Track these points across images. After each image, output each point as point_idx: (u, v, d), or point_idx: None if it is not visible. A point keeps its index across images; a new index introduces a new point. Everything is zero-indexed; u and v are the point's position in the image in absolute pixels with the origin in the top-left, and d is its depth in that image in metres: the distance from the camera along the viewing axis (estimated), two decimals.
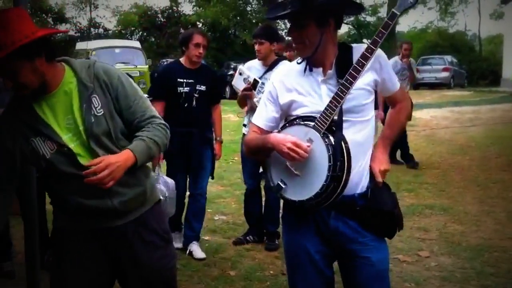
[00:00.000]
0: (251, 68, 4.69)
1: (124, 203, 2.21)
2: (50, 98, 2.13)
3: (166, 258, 2.39)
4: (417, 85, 26.29)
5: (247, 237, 4.94)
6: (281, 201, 2.41)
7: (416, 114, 11.43)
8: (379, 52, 2.25)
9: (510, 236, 5.01)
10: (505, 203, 6.16)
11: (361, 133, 2.26)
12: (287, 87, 2.32)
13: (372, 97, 2.29)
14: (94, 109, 2.13)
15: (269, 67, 4.60)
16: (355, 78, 2.13)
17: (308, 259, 2.33)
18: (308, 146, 2.14)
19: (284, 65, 2.47)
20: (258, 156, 2.45)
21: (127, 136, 2.21)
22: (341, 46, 2.28)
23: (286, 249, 2.47)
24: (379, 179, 2.27)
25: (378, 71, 2.27)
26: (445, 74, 25.57)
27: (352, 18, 32.05)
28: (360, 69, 2.13)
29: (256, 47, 4.64)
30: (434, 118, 13.87)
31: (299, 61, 2.35)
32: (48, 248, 4.25)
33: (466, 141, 10.32)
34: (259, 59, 4.71)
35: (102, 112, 2.14)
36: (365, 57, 2.12)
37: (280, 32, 10.96)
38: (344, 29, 31.06)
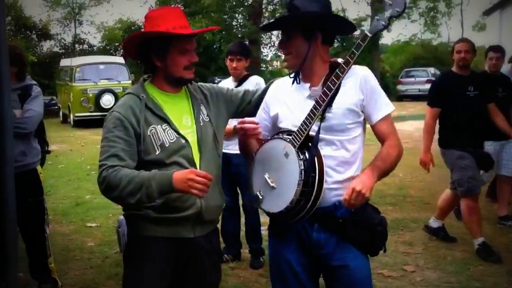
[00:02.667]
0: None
1: (206, 208, 2.37)
2: (175, 97, 2.45)
3: (219, 274, 2.63)
4: (400, 97, 26.52)
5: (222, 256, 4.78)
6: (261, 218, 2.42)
7: (399, 126, 11.40)
8: (368, 72, 2.29)
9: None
10: (490, 215, 6.15)
11: (343, 152, 2.27)
12: (278, 99, 2.40)
13: (359, 119, 2.30)
14: (202, 115, 2.46)
15: (239, 82, 4.59)
16: (327, 96, 2.16)
17: (290, 271, 2.36)
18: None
19: (281, 78, 2.51)
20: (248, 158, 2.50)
21: None
22: (334, 65, 2.27)
23: (270, 260, 2.51)
24: (345, 196, 2.13)
25: (364, 91, 2.27)
26: (428, 86, 25.62)
27: None
28: (332, 87, 2.15)
29: (234, 64, 4.58)
30: (418, 130, 13.81)
31: (292, 75, 2.38)
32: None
33: None
34: (234, 76, 4.64)
35: (208, 119, 2.47)
36: (337, 76, 2.15)
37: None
38: None
